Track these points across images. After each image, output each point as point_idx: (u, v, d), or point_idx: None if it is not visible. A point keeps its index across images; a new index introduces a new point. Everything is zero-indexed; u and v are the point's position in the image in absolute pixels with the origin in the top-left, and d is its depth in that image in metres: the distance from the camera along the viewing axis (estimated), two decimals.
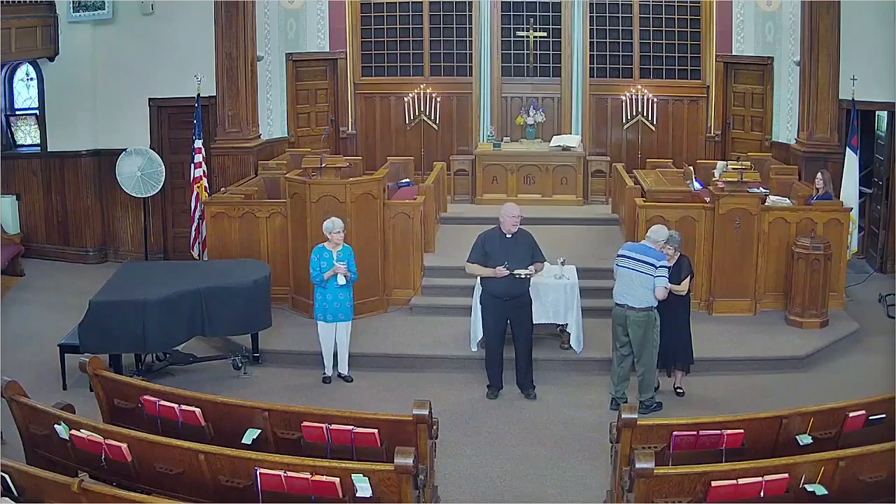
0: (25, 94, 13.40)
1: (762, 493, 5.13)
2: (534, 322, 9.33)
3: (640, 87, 13.81)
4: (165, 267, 10.68)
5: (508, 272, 8.27)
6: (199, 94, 11.63)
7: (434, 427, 6.17)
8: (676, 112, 14.30)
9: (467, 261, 8.59)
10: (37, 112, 13.20)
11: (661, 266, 7.82)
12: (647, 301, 7.85)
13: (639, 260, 7.88)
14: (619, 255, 8.14)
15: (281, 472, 5.21)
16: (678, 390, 8.52)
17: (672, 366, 8.44)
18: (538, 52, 14.31)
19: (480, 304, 8.76)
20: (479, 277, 8.65)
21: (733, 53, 13.71)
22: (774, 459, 5.42)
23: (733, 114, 14.04)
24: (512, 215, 8.41)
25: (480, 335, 9.24)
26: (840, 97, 11.78)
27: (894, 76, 11.20)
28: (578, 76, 14.05)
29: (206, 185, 11.54)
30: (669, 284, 7.94)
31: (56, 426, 5.85)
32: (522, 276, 8.35)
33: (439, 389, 8.60)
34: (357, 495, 5.15)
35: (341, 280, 8.69)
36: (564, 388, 8.77)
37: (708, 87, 14.13)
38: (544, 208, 12.93)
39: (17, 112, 13.44)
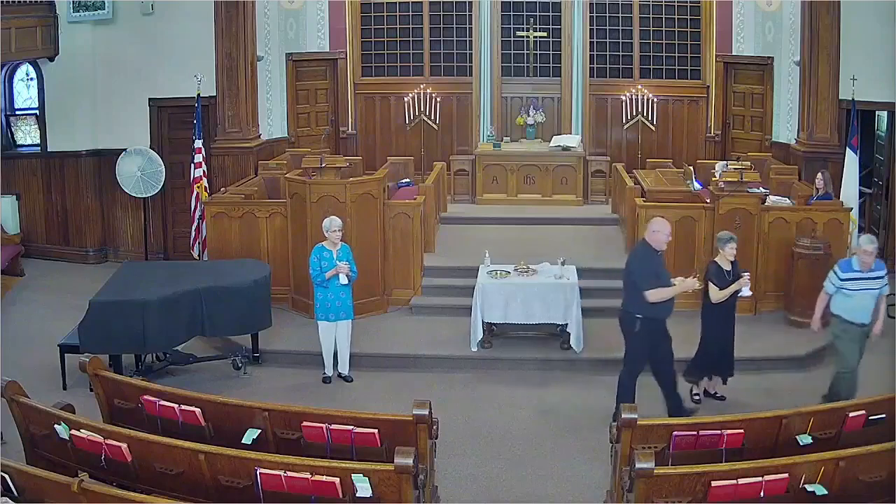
0: (25, 94, 13.40)
1: (762, 493, 5.13)
2: (535, 322, 9.37)
3: (640, 87, 13.81)
4: (165, 267, 10.68)
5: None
6: (199, 94, 11.62)
7: (434, 427, 6.17)
8: (676, 112, 14.30)
9: (645, 290, 7.46)
10: (37, 112, 13.21)
11: (844, 278, 7.76)
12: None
13: None
14: None
15: (281, 472, 5.21)
16: (717, 395, 8.43)
17: (718, 372, 8.30)
18: (538, 52, 14.31)
19: (639, 334, 7.63)
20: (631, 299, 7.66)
21: (733, 53, 13.71)
22: (774, 459, 5.42)
23: (733, 114, 14.05)
24: (668, 232, 7.69)
25: (481, 335, 9.25)
26: (840, 97, 11.78)
27: (894, 76, 11.20)
28: (578, 76, 14.05)
29: (206, 185, 11.54)
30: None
31: (56, 426, 5.85)
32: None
33: (439, 389, 8.61)
34: (357, 495, 5.16)
35: (343, 280, 8.69)
36: (564, 388, 8.78)
37: (708, 87, 14.13)
38: (544, 208, 12.95)
39: (17, 112, 13.45)
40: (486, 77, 14.21)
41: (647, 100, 13.67)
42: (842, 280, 7.70)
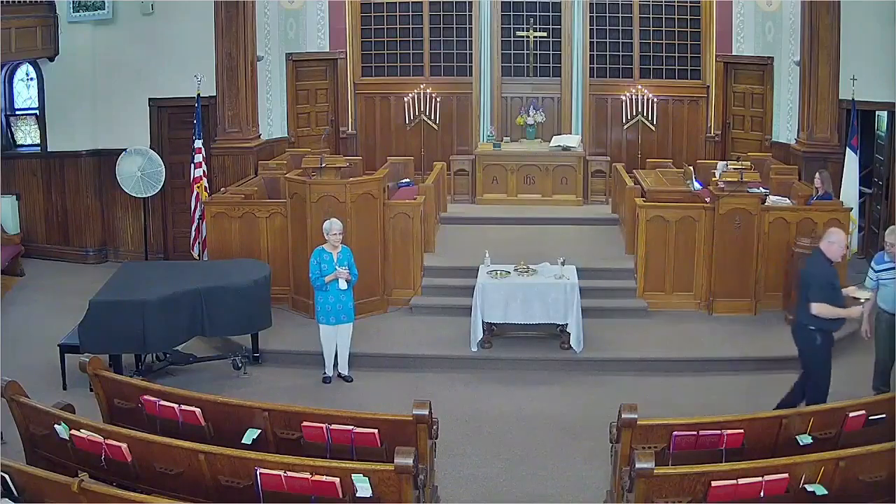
0: (25, 94, 13.40)
1: (762, 493, 5.13)
2: (535, 322, 9.36)
3: (640, 87, 13.81)
4: (165, 267, 10.68)
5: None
6: (199, 94, 11.62)
7: (434, 427, 6.17)
8: (676, 112, 14.30)
9: (817, 301, 7.19)
10: (37, 112, 13.20)
11: (879, 269, 7.86)
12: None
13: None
14: None
15: (281, 472, 5.21)
16: None
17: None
18: (538, 52, 14.31)
19: (822, 348, 7.38)
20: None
21: (733, 53, 13.72)
22: (774, 459, 5.42)
23: (733, 114, 14.05)
24: (845, 244, 7.46)
25: (481, 335, 9.25)
26: (840, 97, 11.78)
27: (894, 76, 11.20)
28: (578, 76, 14.05)
29: (206, 185, 11.55)
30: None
31: (56, 426, 5.85)
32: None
33: (439, 389, 8.60)
34: (357, 495, 5.15)
35: (343, 285, 8.68)
36: (564, 388, 8.77)
37: (708, 87, 14.13)
38: (544, 208, 12.94)
39: (17, 112, 13.44)
40: (486, 77, 14.20)
41: (647, 100, 13.67)
42: (877, 272, 7.88)
